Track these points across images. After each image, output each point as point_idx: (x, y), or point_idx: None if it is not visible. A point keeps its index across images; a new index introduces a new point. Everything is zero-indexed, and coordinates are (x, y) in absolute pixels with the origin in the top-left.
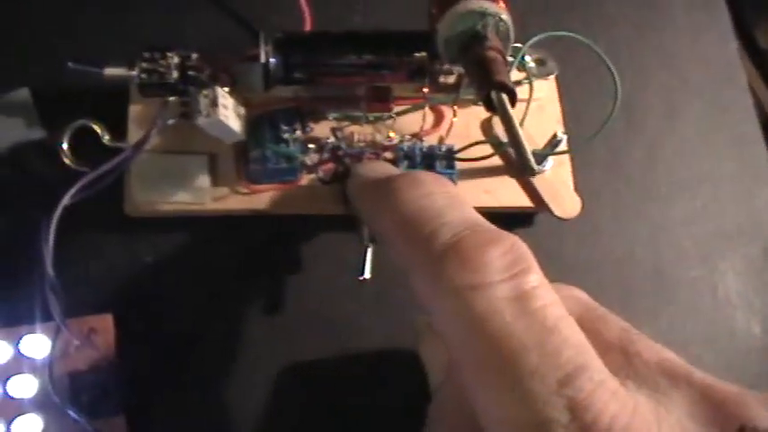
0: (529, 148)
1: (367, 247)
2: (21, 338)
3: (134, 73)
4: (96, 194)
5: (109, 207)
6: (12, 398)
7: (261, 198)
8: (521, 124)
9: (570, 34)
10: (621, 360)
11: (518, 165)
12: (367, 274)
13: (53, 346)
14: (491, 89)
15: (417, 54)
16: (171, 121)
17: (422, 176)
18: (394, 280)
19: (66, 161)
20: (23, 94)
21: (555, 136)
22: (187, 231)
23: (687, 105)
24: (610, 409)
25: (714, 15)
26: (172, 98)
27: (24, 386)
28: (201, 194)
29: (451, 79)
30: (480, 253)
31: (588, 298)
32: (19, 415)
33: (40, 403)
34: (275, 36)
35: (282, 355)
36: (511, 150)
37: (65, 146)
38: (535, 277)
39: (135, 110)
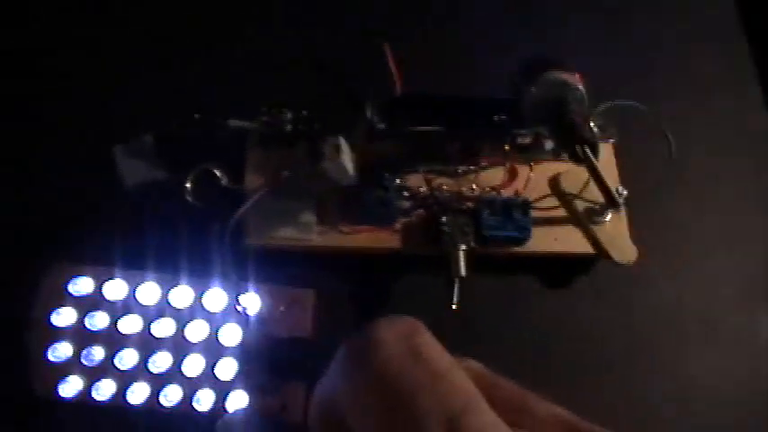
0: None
1: (456, 279)
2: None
3: (254, 125)
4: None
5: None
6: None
7: (360, 237)
8: (588, 183)
9: (635, 104)
10: (513, 414)
11: (605, 202)
12: (455, 304)
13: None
14: (578, 143)
15: (501, 117)
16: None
17: None
18: (479, 310)
19: (189, 198)
20: (148, 140)
21: (617, 191)
22: (297, 263)
23: (729, 169)
24: None
25: (749, 89)
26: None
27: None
28: (309, 231)
29: (527, 140)
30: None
31: (483, 368)
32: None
33: (240, 353)
34: (381, 100)
35: None
36: (578, 202)
37: (188, 185)
38: (426, 338)
39: (252, 157)
